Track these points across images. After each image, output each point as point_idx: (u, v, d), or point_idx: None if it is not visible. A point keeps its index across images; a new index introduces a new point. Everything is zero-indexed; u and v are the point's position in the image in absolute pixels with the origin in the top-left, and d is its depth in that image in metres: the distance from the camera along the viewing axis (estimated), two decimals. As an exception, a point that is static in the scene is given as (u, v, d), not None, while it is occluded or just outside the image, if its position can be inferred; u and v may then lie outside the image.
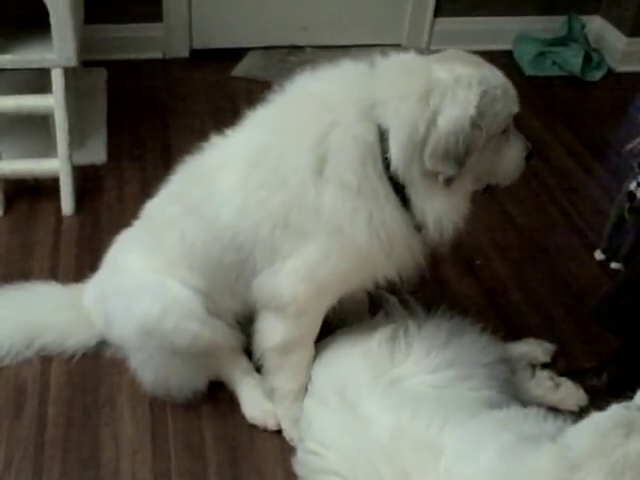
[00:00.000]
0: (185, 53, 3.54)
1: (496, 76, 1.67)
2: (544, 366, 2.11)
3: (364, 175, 1.64)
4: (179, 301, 1.84)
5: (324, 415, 1.76)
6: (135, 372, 1.99)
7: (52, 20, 2.31)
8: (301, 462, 1.78)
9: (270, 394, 1.94)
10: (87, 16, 3.00)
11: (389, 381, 1.75)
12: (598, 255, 2.56)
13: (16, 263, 2.39)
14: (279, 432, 1.94)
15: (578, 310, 2.35)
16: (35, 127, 2.77)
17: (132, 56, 3.44)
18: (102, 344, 2.09)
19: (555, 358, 2.16)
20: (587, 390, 2.03)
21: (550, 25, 3.66)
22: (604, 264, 2.54)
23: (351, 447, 1.66)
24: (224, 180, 1.76)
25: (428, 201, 1.66)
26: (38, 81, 2.61)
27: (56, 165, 2.55)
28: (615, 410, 1.36)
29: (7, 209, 2.59)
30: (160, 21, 3.45)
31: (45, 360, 2.08)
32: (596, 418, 1.37)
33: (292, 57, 3.52)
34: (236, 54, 3.54)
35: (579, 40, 3.58)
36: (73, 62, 2.42)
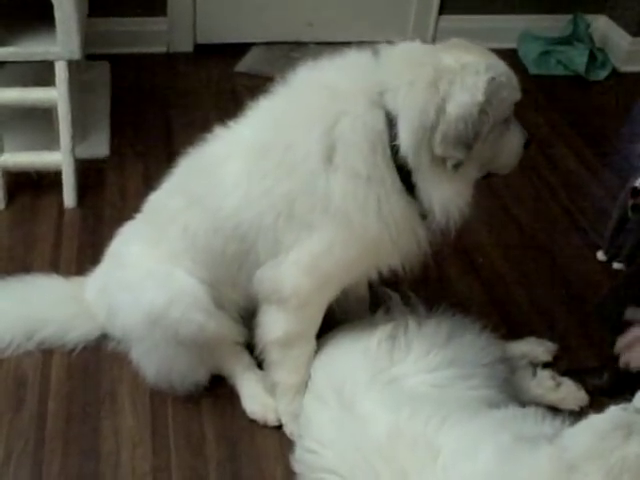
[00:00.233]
0: (189, 48, 3.53)
1: (500, 64, 1.69)
2: (545, 365, 2.11)
3: (374, 163, 1.65)
4: (186, 291, 1.85)
5: (322, 413, 1.76)
6: (137, 365, 1.99)
7: (56, 13, 2.31)
8: (299, 460, 1.77)
9: (271, 389, 1.94)
10: (91, 9, 3.00)
11: (388, 380, 1.74)
12: (600, 256, 2.56)
13: (18, 256, 2.39)
14: (279, 428, 1.94)
15: (579, 309, 2.35)
16: (38, 120, 2.77)
17: (136, 50, 3.43)
18: (103, 337, 2.09)
19: (556, 357, 2.16)
20: (588, 390, 2.03)
21: (555, 24, 3.65)
22: (606, 264, 2.54)
23: (349, 446, 1.65)
24: (228, 171, 1.76)
25: (435, 187, 1.67)
26: (41, 74, 2.61)
27: (59, 158, 2.55)
28: (613, 412, 1.36)
29: (9, 202, 2.59)
30: (164, 15, 3.44)
31: (46, 353, 2.08)
32: (594, 420, 1.37)
33: (295, 53, 3.51)
34: (240, 49, 3.53)
35: (584, 39, 3.57)
36: (77, 55, 2.41)
